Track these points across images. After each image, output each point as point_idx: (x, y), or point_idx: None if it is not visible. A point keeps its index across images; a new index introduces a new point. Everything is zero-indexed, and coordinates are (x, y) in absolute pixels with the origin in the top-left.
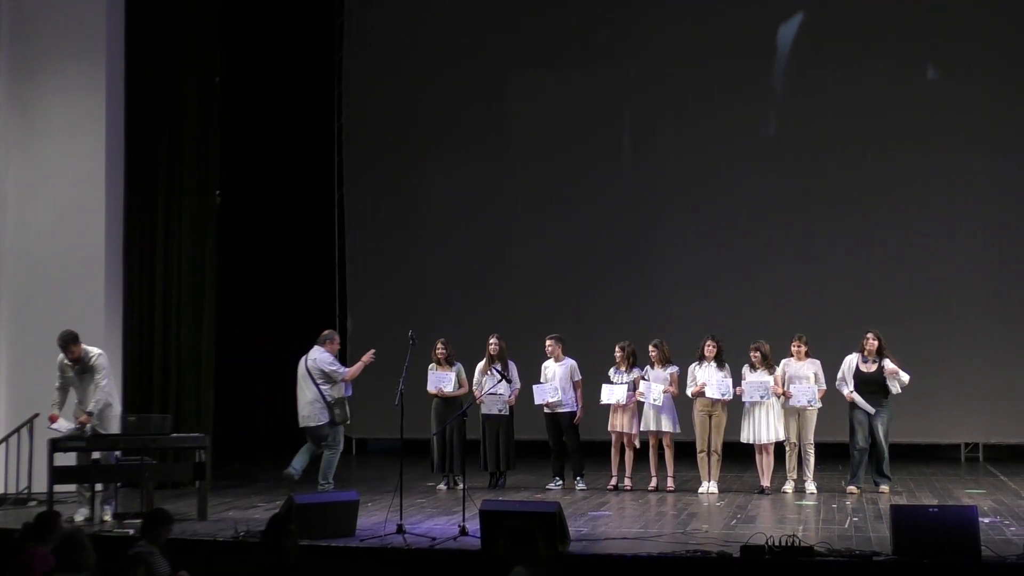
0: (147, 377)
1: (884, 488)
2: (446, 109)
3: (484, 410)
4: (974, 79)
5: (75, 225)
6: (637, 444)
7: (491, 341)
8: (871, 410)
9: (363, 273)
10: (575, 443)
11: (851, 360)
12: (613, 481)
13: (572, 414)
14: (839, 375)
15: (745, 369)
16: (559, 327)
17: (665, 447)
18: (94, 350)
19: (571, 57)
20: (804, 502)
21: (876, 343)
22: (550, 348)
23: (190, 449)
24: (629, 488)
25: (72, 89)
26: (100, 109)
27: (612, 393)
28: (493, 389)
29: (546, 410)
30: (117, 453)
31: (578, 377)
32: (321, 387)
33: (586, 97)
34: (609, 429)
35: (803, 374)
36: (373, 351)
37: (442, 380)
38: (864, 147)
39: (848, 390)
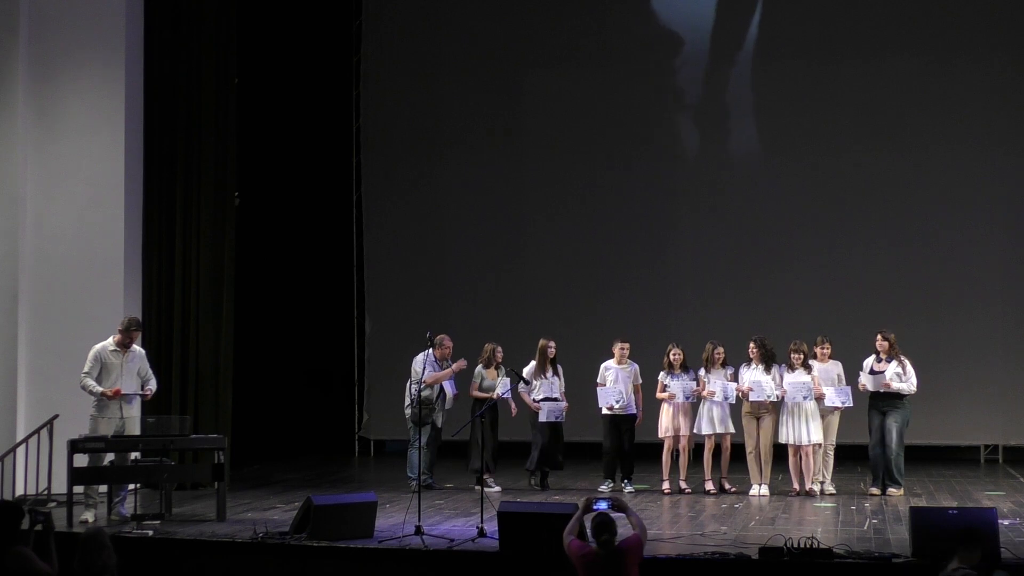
0: (166, 378)
1: (893, 491)
2: (463, 110)
3: (543, 417)
4: (994, 73)
5: (94, 225)
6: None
7: (551, 344)
8: (879, 388)
9: (381, 274)
10: (631, 447)
11: (868, 361)
12: (667, 484)
13: (633, 417)
14: (860, 377)
15: (784, 369)
16: (575, 327)
17: (723, 449)
18: (137, 345)
19: (587, 58)
20: (823, 504)
21: (885, 343)
22: (623, 350)
23: (209, 450)
24: (689, 491)
25: (91, 89)
26: (119, 109)
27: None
28: (551, 394)
29: (606, 412)
30: (137, 455)
31: (640, 381)
32: (411, 386)
33: (602, 98)
34: (663, 434)
35: (829, 375)
36: (464, 360)
37: (498, 386)
38: (881, 144)
39: (862, 382)
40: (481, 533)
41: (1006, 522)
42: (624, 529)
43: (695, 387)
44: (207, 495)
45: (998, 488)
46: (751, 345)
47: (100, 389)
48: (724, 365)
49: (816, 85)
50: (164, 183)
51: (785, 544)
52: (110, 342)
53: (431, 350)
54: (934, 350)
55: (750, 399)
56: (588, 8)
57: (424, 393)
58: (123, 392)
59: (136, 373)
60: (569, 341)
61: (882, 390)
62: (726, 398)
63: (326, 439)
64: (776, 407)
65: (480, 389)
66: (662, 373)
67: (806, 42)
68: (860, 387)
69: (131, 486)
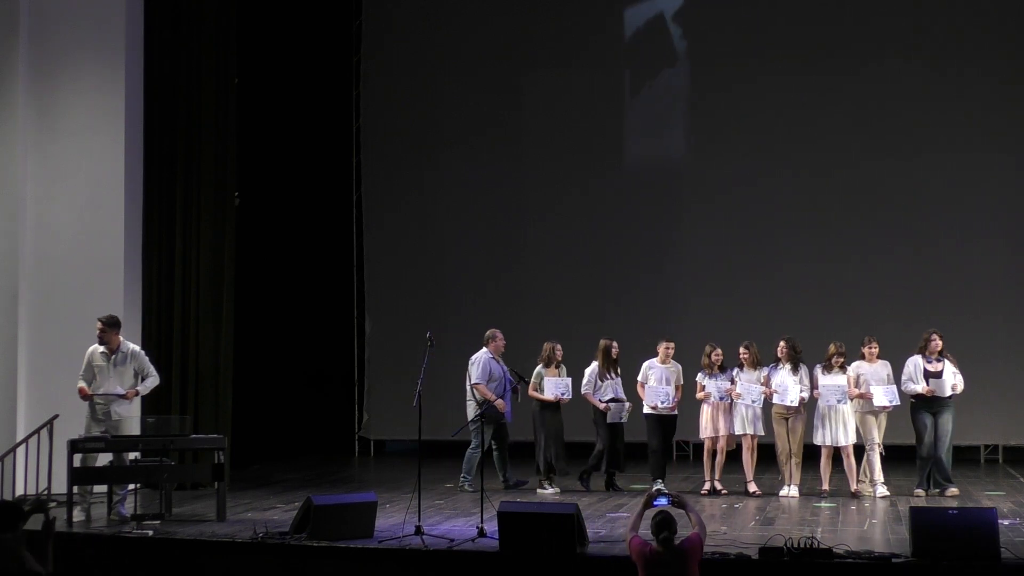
0: (166, 377)
1: (953, 491)
2: (463, 110)
3: (611, 418)
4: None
5: (94, 225)
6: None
7: (614, 344)
8: (948, 393)
9: (381, 274)
10: (672, 445)
11: (916, 360)
12: (707, 485)
13: (676, 417)
14: (905, 376)
15: (818, 371)
16: (576, 327)
17: (747, 450)
18: (132, 343)
19: (587, 58)
20: (823, 503)
21: (940, 343)
22: (668, 350)
23: (209, 450)
24: (726, 492)
25: (91, 89)
26: (119, 109)
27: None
28: (616, 395)
29: (650, 411)
30: (136, 454)
31: (681, 381)
32: (471, 386)
33: (602, 97)
34: (704, 434)
35: (878, 375)
36: (502, 401)
37: (559, 387)
38: (883, 146)
39: (923, 386)
40: (481, 533)
41: (1006, 522)
42: (684, 529)
43: (728, 387)
44: (207, 495)
45: (998, 488)
46: (781, 344)
47: (79, 389)
48: (758, 366)
49: (819, 88)
50: (164, 183)
51: (785, 544)
52: (99, 343)
53: (487, 347)
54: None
55: (774, 401)
56: (589, 9)
57: (491, 391)
58: (110, 392)
59: (131, 372)
60: (570, 341)
61: (949, 394)
62: (753, 401)
63: (326, 439)
64: (803, 410)
65: (539, 389)
66: (700, 373)
67: (808, 45)
68: (925, 391)
69: (131, 486)
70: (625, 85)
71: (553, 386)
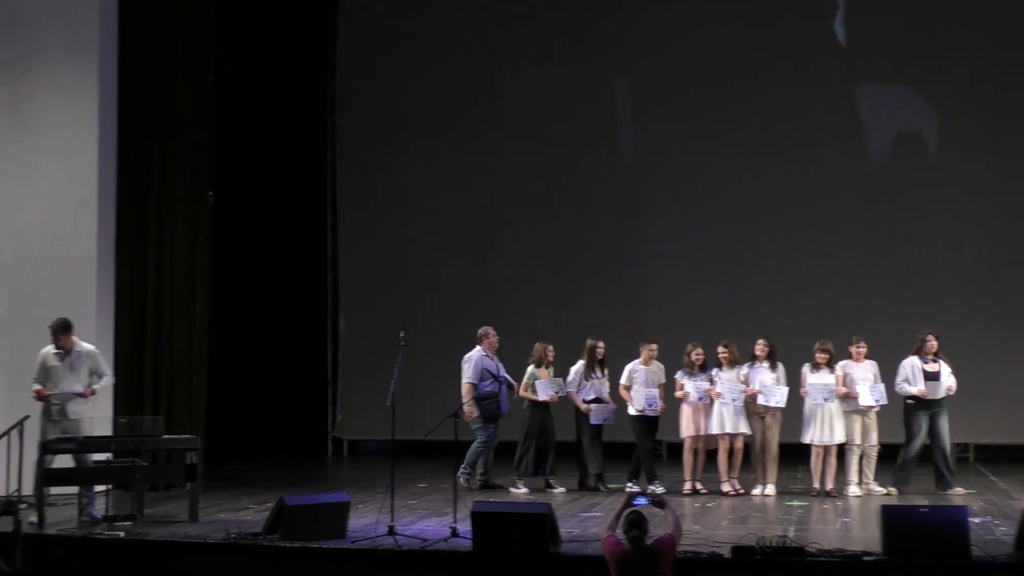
0: (138, 377)
1: (960, 490)
2: (439, 106)
3: (594, 419)
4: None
5: (67, 224)
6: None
7: (599, 344)
8: (943, 394)
9: (355, 272)
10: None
11: (913, 361)
12: (689, 485)
13: (658, 418)
14: (900, 377)
15: (805, 369)
16: (552, 325)
17: (736, 449)
18: (86, 344)
19: (563, 54)
20: (797, 503)
21: (936, 343)
22: (652, 352)
23: (181, 451)
24: (705, 492)
25: (64, 87)
26: (92, 107)
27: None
28: (600, 394)
29: (636, 413)
30: (108, 455)
31: (663, 380)
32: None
33: (578, 94)
34: (685, 434)
35: (866, 375)
36: (471, 411)
37: (552, 387)
38: (853, 148)
39: (919, 388)
40: (454, 533)
41: (977, 520)
42: (658, 530)
43: (708, 386)
44: (179, 496)
45: (969, 486)
46: (761, 343)
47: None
48: (736, 364)
49: (795, 83)
50: (138, 181)
51: (757, 543)
52: (52, 346)
53: (480, 345)
54: (904, 351)
55: (758, 401)
56: (563, 5)
57: (488, 388)
58: (68, 391)
59: (86, 372)
60: (544, 338)
61: (943, 395)
62: (733, 399)
63: (299, 439)
64: (781, 408)
65: (532, 390)
66: (680, 372)
67: (783, 40)
68: (920, 393)
69: (98, 487)
70: (599, 80)
71: (545, 387)
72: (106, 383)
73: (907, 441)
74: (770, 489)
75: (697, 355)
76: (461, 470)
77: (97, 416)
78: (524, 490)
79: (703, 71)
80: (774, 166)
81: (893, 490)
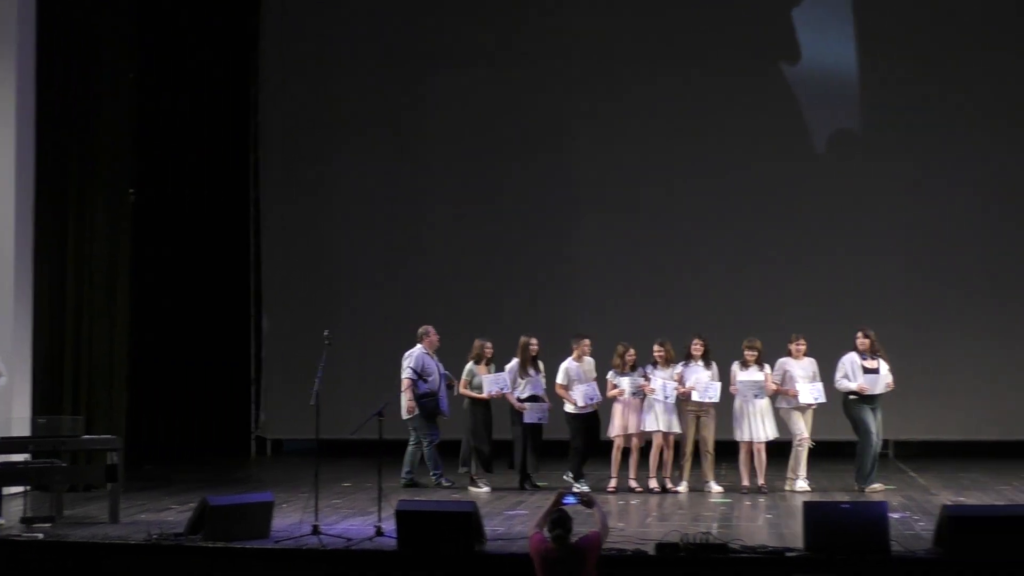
0: (57, 377)
1: (878, 486)
2: (363, 107)
3: (528, 418)
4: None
5: None
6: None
7: (532, 340)
8: (882, 390)
9: (278, 272)
10: (597, 444)
11: (853, 357)
12: (614, 483)
13: (597, 413)
14: (840, 373)
15: (735, 367)
16: (479, 325)
17: (666, 448)
18: None
19: (490, 57)
20: (720, 499)
21: (867, 341)
22: (586, 347)
23: (102, 451)
24: (641, 490)
25: None
26: (9, 103)
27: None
28: (535, 392)
29: (573, 411)
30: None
31: (595, 375)
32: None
33: (505, 95)
34: (615, 433)
35: (806, 372)
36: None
37: (497, 383)
38: (781, 145)
39: (858, 383)
40: (379, 532)
41: (896, 515)
42: (584, 528)
43: (641, 382)
44: (100, 497)
45: (888, 483)
46: (696, 342)
47: None
48: (671, 363)
49: (724, 85)
50: (56, 178)
51: (681, 540)
52: None
53: (421, 343)
54: (827, 349)
55: (693, 399)
56: (491, 8)
57: (426, 388)
58: None
59: None
60: (470, 339)
61: (881, 391)
62: (666, 397)
63: (222, 439)
64: (715, 406)
65: (471, 387)
66: (611, 372)
67: (707, 44)
68: (859, 388)
69: (16, 488)
70: (527, 84)
71: (491, 382)
72: (2, 383)
73: (862, 436)
74: (713, 486)
75: (630, 356)
76: (432, 473)
77: (15, 417)
78: (486, 489)
79: (631, 71)
80: (707, 165)
81: (878, 486)
